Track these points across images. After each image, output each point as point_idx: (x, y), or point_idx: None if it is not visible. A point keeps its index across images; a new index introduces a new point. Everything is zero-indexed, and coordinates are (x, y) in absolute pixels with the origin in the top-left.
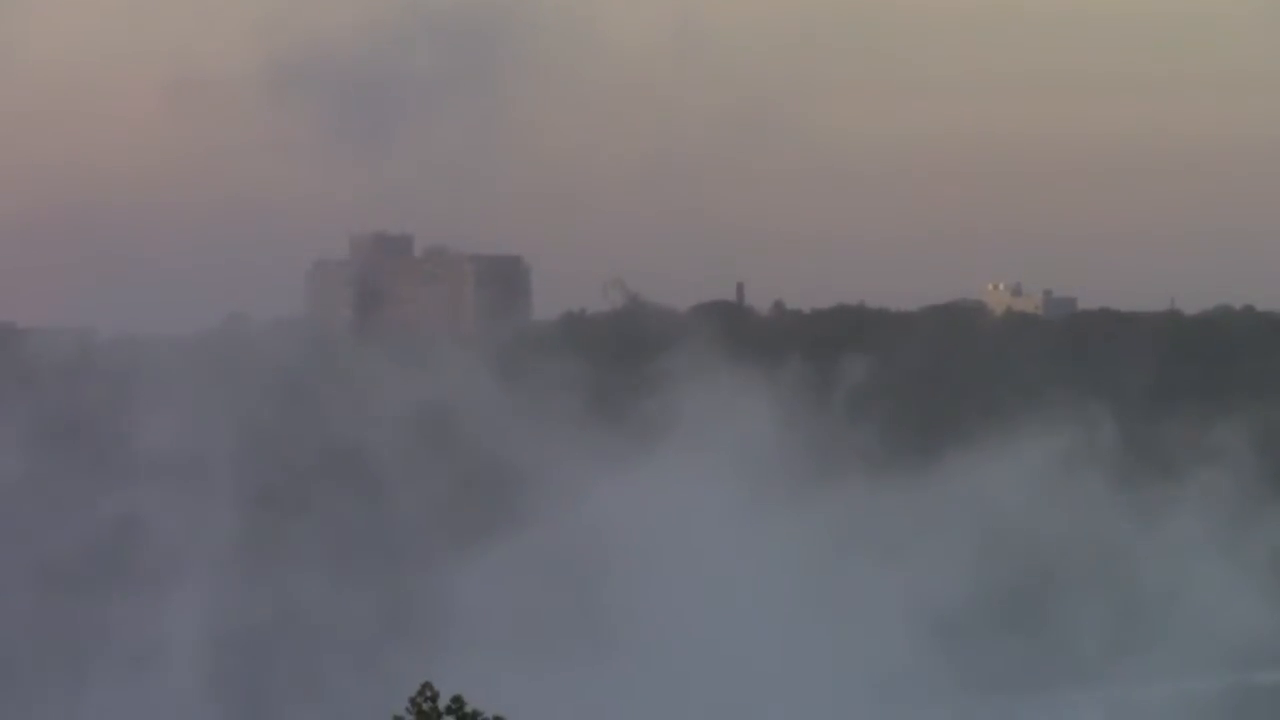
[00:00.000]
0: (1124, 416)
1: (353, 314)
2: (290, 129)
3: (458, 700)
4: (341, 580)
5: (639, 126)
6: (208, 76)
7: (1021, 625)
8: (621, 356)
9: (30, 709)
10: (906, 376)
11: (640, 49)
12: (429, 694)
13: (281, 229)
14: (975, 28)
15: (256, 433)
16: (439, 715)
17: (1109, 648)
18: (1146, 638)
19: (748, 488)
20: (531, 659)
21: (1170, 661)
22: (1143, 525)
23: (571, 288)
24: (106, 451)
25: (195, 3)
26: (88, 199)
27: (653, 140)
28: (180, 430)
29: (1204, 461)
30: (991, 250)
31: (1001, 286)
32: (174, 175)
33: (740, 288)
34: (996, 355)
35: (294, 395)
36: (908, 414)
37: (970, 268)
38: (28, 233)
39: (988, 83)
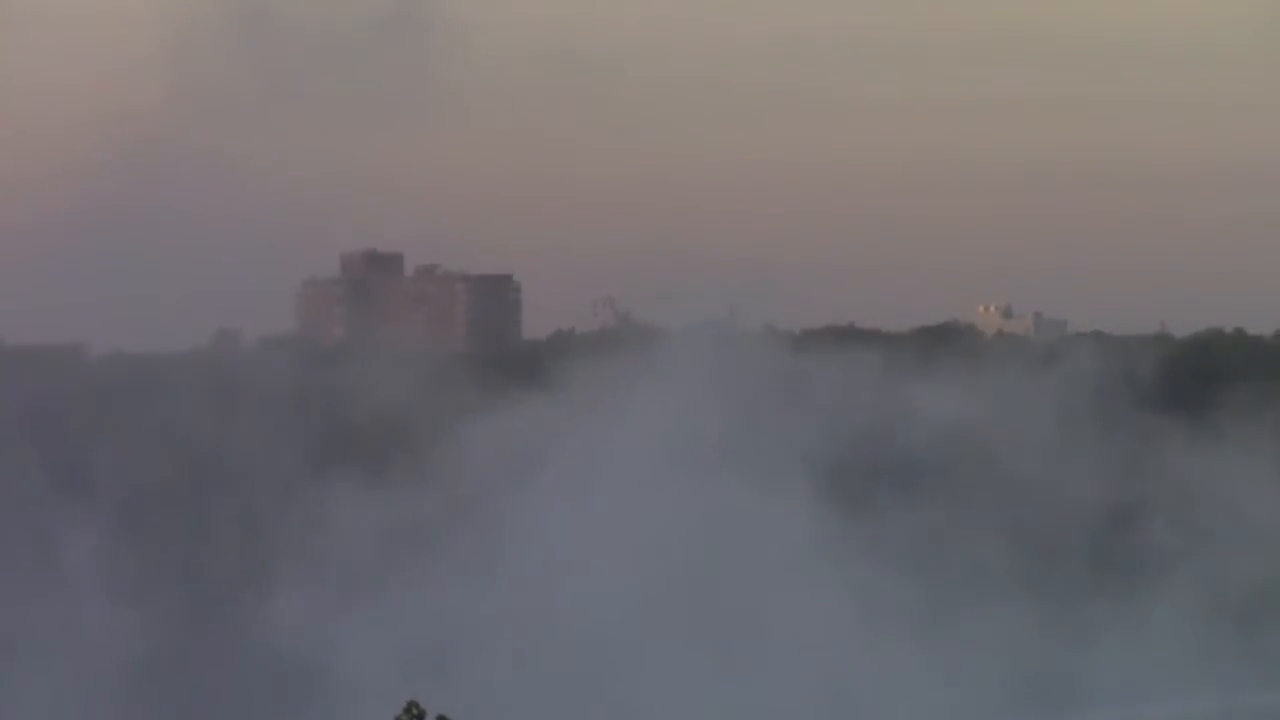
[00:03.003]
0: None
1: (344, 332)
2: (282, 141)
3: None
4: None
5: (637, 143)
6: (202, 85)
7: None
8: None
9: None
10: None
11: (629, 64)
12: (415, 712)
13: (271, 245)
14: (972, 49)
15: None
16: None
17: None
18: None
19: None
20: None
21: None
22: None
23: (561, 307)
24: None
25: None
26: (74, 210)
27: (648, 157)
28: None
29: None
30: (982, 272)
31: (992, 308)
32: (166, 186)
33: (732, 309)
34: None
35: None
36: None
37: (961, 290)
38: (15, 245)
39: (981, 104)
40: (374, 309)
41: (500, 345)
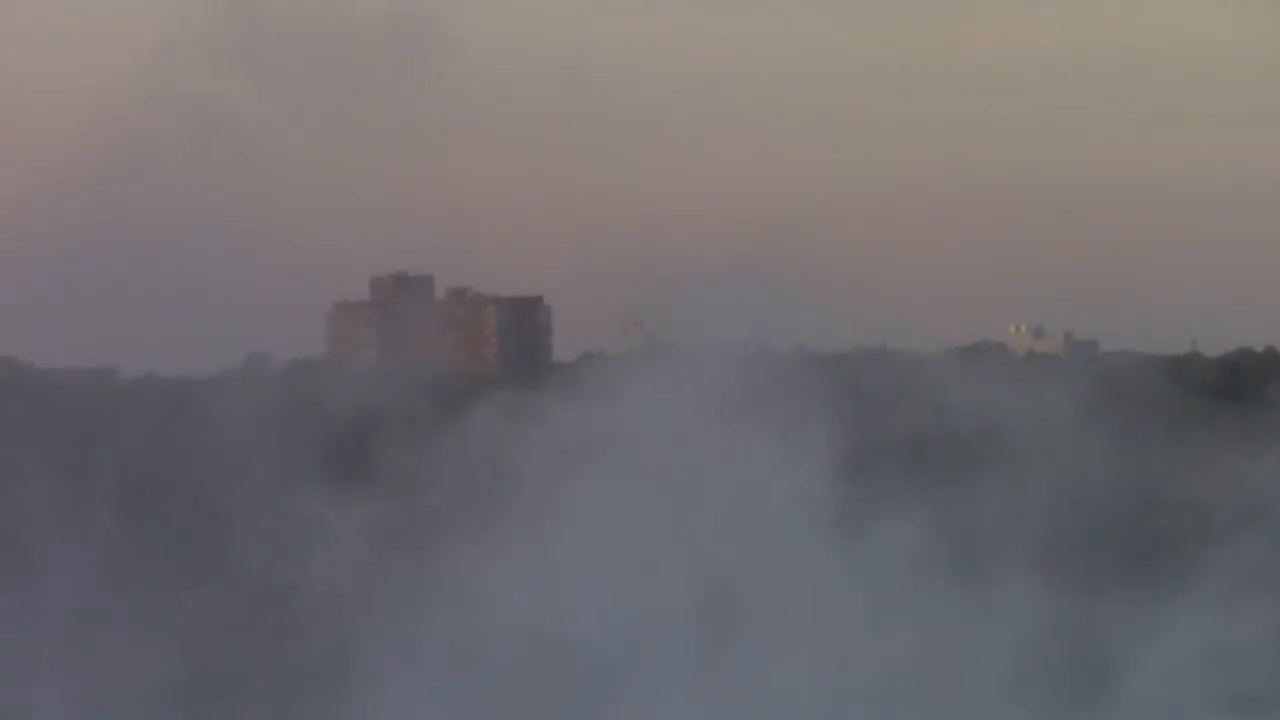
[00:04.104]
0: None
1: (374, 354)
2: (312, 163)
3: None
4: None
5: (664, 160)
6: (232, 112)
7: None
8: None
9: None
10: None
11: (637, 93)
12: None
13: (301, 268)
14: (997, 67)
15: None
16: None
17: None
18: None
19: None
20: None
21: None
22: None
23: (592, 328)
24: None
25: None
26: (103, 234)
27: (675, 175)
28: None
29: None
30: (1013, 292)
31: (1024, 328)
32: (193, 208)
33: (761, 329)
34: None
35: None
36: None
37: (992, 309)
38: (40, 267)
39: (1010, 123)
40: (404, 332)
41: (529, 367)
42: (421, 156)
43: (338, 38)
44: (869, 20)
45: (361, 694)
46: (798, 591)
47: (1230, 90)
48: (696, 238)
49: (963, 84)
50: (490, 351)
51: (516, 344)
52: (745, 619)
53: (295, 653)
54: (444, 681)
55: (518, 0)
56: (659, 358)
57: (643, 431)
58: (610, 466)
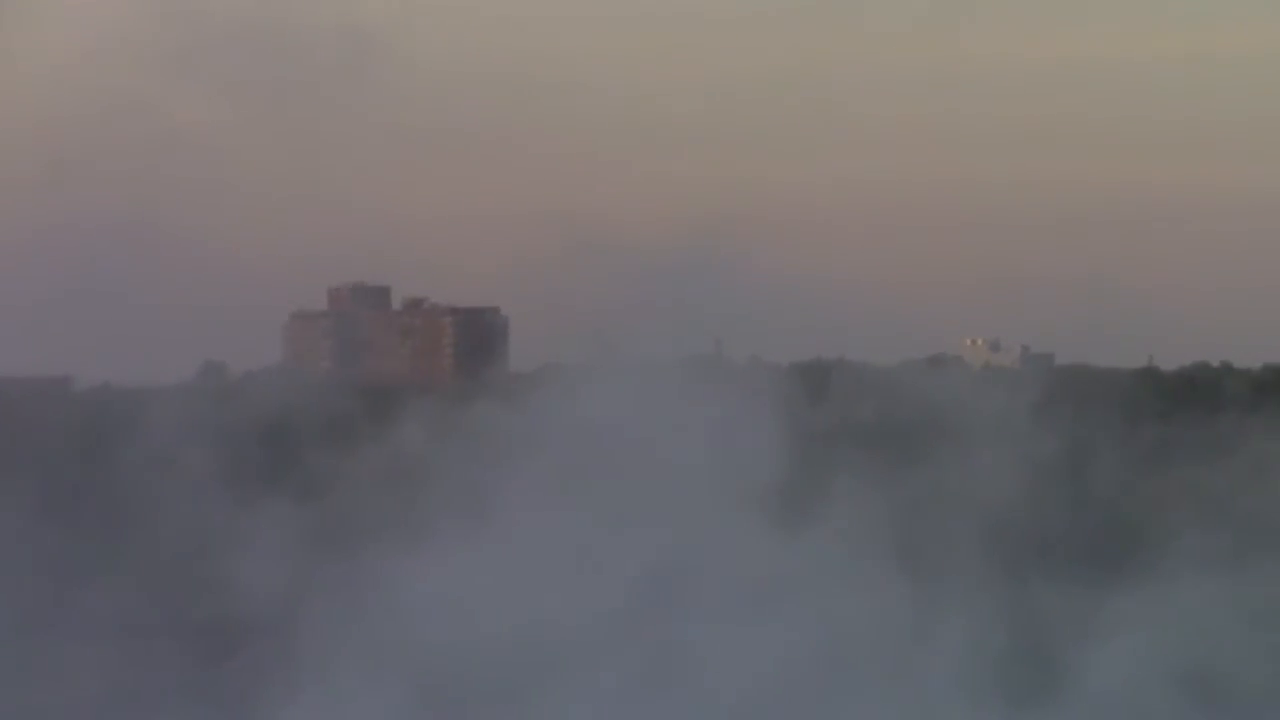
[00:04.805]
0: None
1: (331, 365)
2: (268, 173)
3: None
4: None
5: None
6: (186, 124)
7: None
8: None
9: None
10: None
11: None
12: None
13: (258, 278)
14: (957, 79)
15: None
16: None
17: None
18: None
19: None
20: None
21: None
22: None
23: (551, 339)
24: None
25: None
26: (57, 243)
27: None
28: None
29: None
30: (970, 305)
31: (980, 341)
32: (148, 218)
33: (718, 342)
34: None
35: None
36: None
37: (949, 323)
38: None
39: (972, 135)
40: (361, 342)
41: (484, 377)
42: (377, 167)
43: (292, 47)
44: (830, 27)
45: (292, 697)
46: (739, 587)
47: (1189, 106)
48: (655, 246)
49: (925, 95)
50: (447, 362)
51: (473, 354)
52: (684, 618)
53: (225, 657)
54: (372, 684)
55: (471, 10)
56: (614, 367)
57: (582, 436)
58: (545, 470)
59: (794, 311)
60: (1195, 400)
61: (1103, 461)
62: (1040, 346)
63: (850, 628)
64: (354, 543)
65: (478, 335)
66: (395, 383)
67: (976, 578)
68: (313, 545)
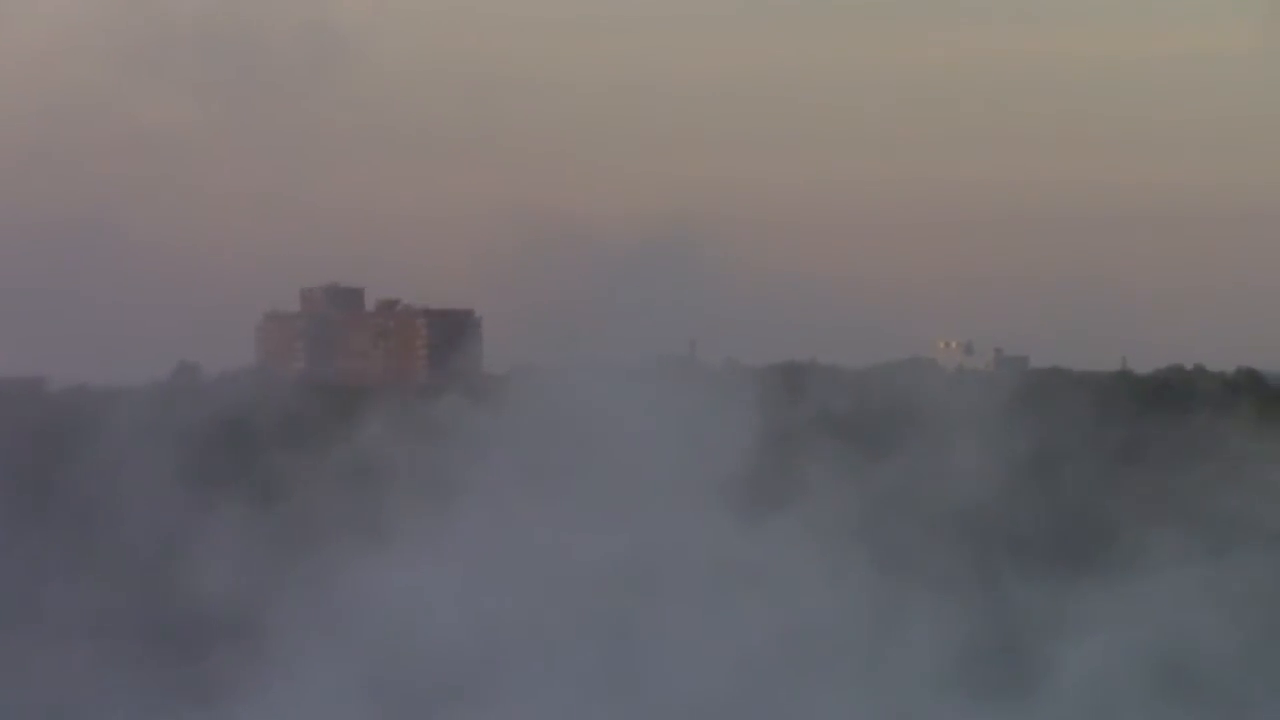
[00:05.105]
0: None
1: (305, 366)
2: (240, 174)
3: None
4: None
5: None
6: (159, 124)
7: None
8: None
9: None
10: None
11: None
12: None
13: (232, 278)
14: (933, 82)
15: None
16: None
17: None
18: None
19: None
20: None
21: None
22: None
23: (523, 341)
24: None
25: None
26: (29, 243)
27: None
28: None
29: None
30: (944, 308)
31: (954, 344)
32: (120, 218)
33: (692, 343)
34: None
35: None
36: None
37: (922, 325)
38: None
39: (947, 137)
40: (334, 343)
41: (457, 378)
42: (350, 167)
43: (263, 46)
44: (803, 26)
45: (259, 696)
46: (708, 584)
47: (1162, 107)
48: (629, 247)
49: (898, 97)
50: (420, 362)
51: (446, 355)
52: (651, 613)
53: (195, 657)
54: (340, 683)
55: (441, 9)
56: (586, 368)
57: (551, 434)
58: (514, 469)
59: (767, 313)
60: (1169, 402)
61: (1075, 461)
62: (1014, 349)
63: (820, 621)
64: (323, 542)
65: (451, 336)
66: (368, 383)
67: (948, 574)
68: (282, 545)
